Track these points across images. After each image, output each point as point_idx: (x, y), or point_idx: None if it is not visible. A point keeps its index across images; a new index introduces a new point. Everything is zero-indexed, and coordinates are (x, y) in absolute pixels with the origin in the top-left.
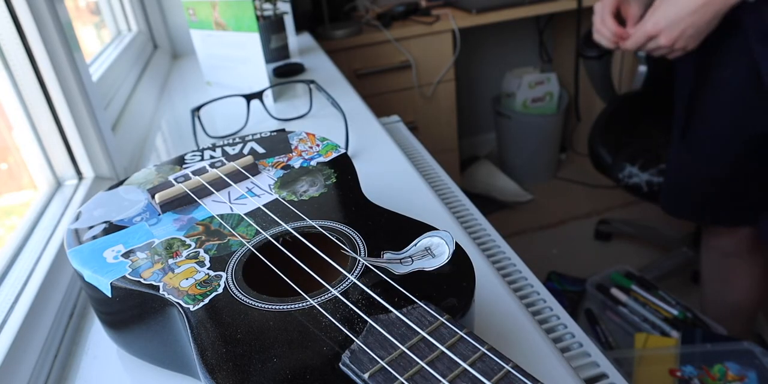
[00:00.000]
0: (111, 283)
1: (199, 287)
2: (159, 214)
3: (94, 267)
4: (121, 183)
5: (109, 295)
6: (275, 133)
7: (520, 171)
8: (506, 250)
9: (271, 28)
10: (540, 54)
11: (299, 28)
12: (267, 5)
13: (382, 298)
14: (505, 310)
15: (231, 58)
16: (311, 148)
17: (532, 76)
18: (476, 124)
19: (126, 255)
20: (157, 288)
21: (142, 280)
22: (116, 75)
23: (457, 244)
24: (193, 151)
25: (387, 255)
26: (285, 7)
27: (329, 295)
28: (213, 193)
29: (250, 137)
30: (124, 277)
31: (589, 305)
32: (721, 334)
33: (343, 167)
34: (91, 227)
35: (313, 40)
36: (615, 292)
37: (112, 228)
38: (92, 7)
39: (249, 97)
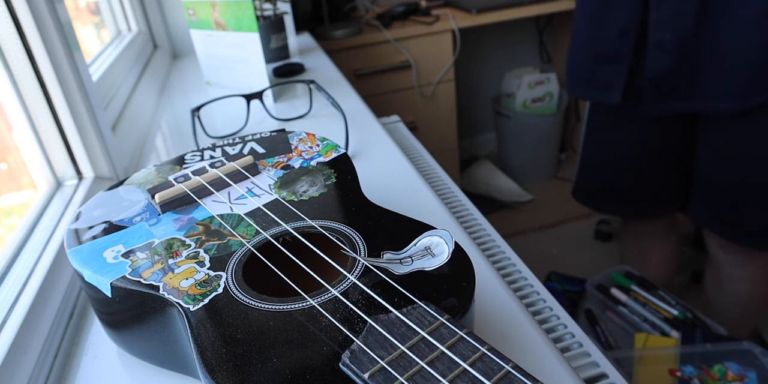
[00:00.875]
0: (111, 283)
1: (199, 287)
2: (159, 214)
3: (94, 267)
4: (121, 183)
5: (109, 295)
6: (275, 133)
7: (520, 171)
8: (506, 250)
9: (271, 28)
10: (540, 54)
11: (299, 28)
12: (267, 5)
13: (382, 298)
14: (505, 310)
15: (231, 58)
16: (311, 148)
17: (532, 76)
18: (476, 124)
19: (126, 255)
20: (157, 288)
21: (142, 280)
22: (116, 75)
23: (456, 243)
24: (193, 151)
25: (387, 255)
26: (285, 7)
27: (329, 295)
28: (213, 193)
29: (250, 137)
30: (124, 277)
31: (589, 305)
32: (721, 334)
33: (343, 167)
34: (91, 227)
35: (313, 40)
36: (615, 292)
37: (112, 228)
38: (92, 7)
39: (249, 97)
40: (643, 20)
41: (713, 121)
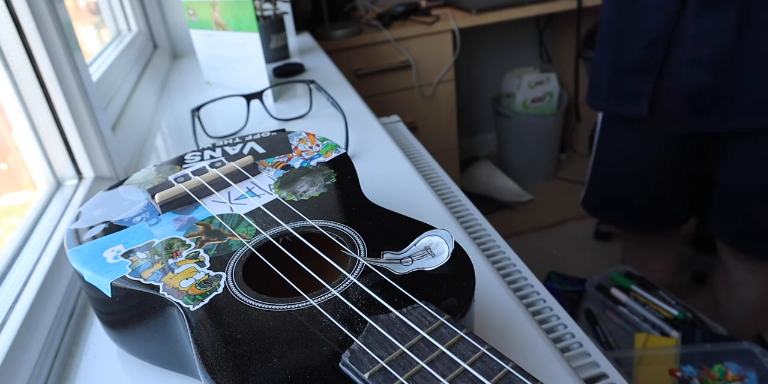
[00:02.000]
0: (111, 283)
1: (199, 287)
2: (159, 214)
3: (94, 267)
4: (121, 183)
5: (109, 295)
6: (275, 133)
7: (520, 171)
8: (506, 250)
9: (271, 28)
10: (540, 54)
11: (299, 28)
12: (267, 5)
13: (382, 298)
14: (505, 310)
15: (231, 58)
16: (311, 148)
17: (532, 76)
18: (476, 124)
19: (126, 255)
20: (157, 288)
21: (142, 280)
22: (116, 75)
23: (456, 243)
24: (193, 151)
25: (387, 255)
26: (285, 7)
27: (329, 295)
28: (213, 193)
29: (250, 137)
30: (124, 277)
31: (589, 305)
32: (721, 334)
33: (343, 167)
34: (91, 227)
35: (313, 40)
36: (615, 292)
37: (112, 228)
38: (92, 7)
39: (249, 97)
40: (673, 32)
41: (737, 135)
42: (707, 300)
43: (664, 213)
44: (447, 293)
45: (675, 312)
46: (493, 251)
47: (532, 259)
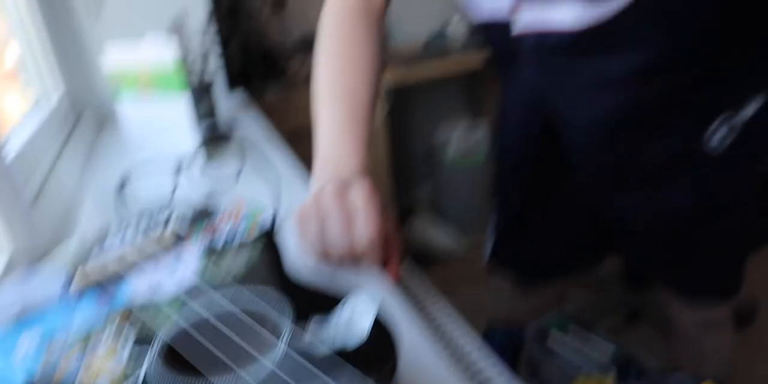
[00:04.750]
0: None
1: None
2: (79, 296)
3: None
4: (40, 261)
5: None
6: (201, 206)
7: (458, 221)
8: (443, 308)
9: (199, 92)
10: (470, 104)
11: (232, 86)
12: (196, 68)
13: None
14: (439, 374)
15: (158, 124)
16: (237, 219)
17: (462, 128)
18: (411, 177)
19: (40, 342)
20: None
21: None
22: (38, 145)
23: (381, 315)
24: (116, 227)
25: (311, 331)
26: (215, 68)
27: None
28: (135, 273)
29: (175, 211)
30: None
31: (529, 353)
32: (653, 366)
33: (269, 241)
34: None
35: (245, 99)
36: (552, 337)
37: (25, 312)
38: (14, 72)
39: (177, 164)
40: None
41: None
42: (640, 335)
43: (580, 258)
44: (372, 370)
45: (610, 351)
46: (430, 310)
47: (474, 310)
